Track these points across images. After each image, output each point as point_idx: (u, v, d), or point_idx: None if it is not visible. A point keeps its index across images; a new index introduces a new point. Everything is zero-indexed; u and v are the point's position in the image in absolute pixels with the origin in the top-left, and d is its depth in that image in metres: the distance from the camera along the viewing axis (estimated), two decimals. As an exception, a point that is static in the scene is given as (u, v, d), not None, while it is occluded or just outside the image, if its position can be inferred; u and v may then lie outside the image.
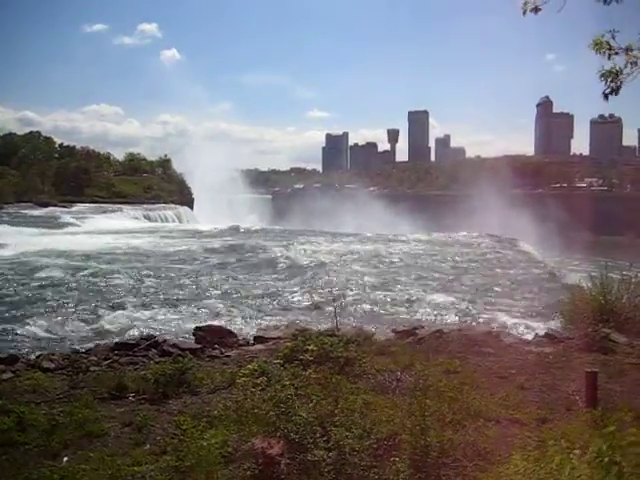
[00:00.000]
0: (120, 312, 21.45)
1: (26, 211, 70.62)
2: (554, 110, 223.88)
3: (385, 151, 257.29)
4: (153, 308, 22.30)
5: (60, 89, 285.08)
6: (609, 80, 5.63)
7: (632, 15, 5.84)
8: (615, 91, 5.69)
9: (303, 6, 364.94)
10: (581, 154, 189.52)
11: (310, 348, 9.90)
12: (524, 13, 5.84)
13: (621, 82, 5.64)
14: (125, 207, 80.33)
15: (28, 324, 19.39)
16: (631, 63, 5.58)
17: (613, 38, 5.55)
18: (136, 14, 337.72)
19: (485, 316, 21.16)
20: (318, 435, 6.16)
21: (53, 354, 13.25)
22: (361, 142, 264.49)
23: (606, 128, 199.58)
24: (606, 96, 5.75)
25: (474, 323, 19.45)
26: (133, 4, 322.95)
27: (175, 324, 19.73)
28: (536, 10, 5.81)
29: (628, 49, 5.48)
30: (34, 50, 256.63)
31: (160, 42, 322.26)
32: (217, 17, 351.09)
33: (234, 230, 59.04)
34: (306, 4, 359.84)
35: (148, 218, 74.69)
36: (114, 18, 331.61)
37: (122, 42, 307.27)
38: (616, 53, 5.56)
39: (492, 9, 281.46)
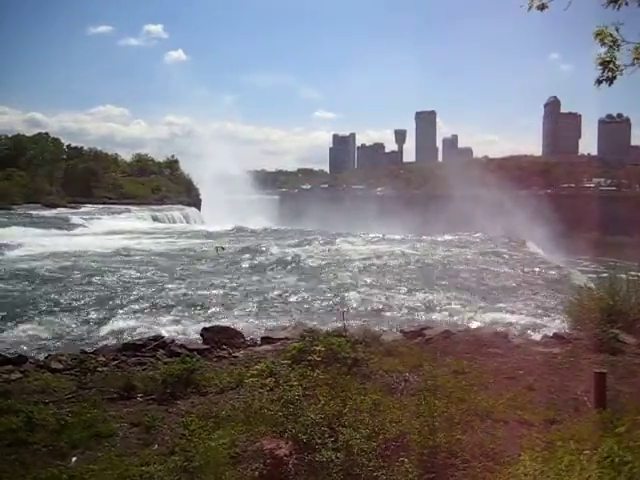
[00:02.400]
0: (128, 313, 21.51)
1: (35, 212, 70.84)
2: (561, 110, 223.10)
3: (392, 151, 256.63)
4: (161, 309, 22.33)
5: (67, 90, 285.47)
6: (606, 69, 5.61)
7: (637, 12, 5.80)
8: (610, 80, 5.66)
9: (309, 6, 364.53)
10: (589, 154, 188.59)
11: (318, 349, 9.90)
12: (529, 9, 5.80)
13: (616, 73, 5.62)
14: (133, 208, 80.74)
15: (37, 325, 19.46)
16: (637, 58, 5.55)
17: (617, 30, 5.53)
18: (141, 15, 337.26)
19: (493, 316, 21.07)
20: (326, 435, 6.16)
21: (61, 355, 13.30)
22: (368, 143, 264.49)
23: (614, 128, 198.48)
24: (599, 82, 5.73)
25: (482, 323, 19.37)
26: (138, 5, 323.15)
27: (183, 324, 19.74)
28: (542, 7, 5.78)
29: (638, 48, 5.46)
30: (40, 51, 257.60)
31: (166, 43, 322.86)
32: (222, 17, 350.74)
33: (242, 231, 59.19)
34: (312, 4, 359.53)
35: (156, 219, 74.97)
36: (119, 19, 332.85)
37: (128, 43, 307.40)
38: (618, 45, 5.55)
39: (496, 9, 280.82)
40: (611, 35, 5.50)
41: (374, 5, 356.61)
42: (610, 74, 5.62)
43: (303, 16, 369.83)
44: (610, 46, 5.53)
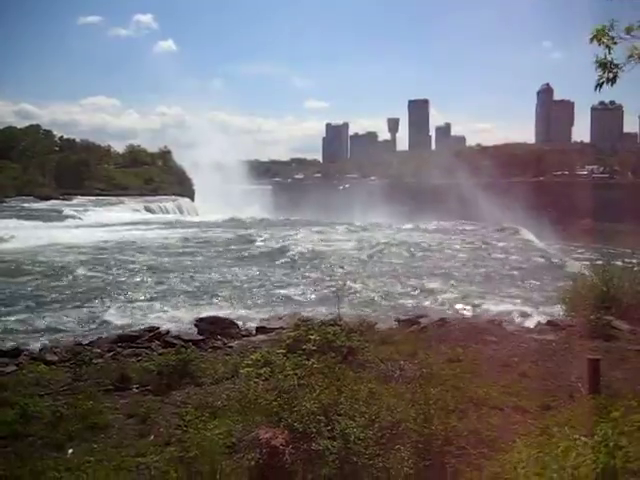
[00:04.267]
0: (123, 304, 21.50)
1: (27, 204, 70.54)
2: (555, 97, 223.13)
3: (385, 140, 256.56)
4: (155, 300, 22.33)
5: (57, 81, 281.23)
6: (606, 71, 5.57)
7: (627, 4, 5.75)
8: (611, 81, 5.62)
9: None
10: (582, 141, 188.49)
11: (313, 338, 9.89)
12: None
13: (617, 72, 5.58)
14: (126, 199, 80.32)
15: (32, 317, 19.44)
16: (632, 56, 5.50)
17: (612, 28, 5.48)
18: (130, 5, 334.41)
19: (487, 304, 21.16)
20: (322, 424, 6.16)
21: (56, 347, 13.31)
22: (361, 132, 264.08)
23: (607, 115, 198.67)
24: (599, 86, 5.69)
25: (477, 311, 19.45)
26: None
27: (177, 315, 19.75)
28: None
29: (629, 30, 5.40)
30: (30, 42, 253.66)
31: (156, 33, 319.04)
32: (213, 7, 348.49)
33: (236, 221, 59.09)
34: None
35: (149, 210, 74.64)
36: (108, 9, 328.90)
37: (118, 34, 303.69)
38: (615, 43, 5.50)
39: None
40: (608, 34, 5.45)
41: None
42: (610, 75, 5.57)
43: (294, 5, 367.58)
44: (607, 46, 5.48)
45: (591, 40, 5.51)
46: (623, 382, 8.38)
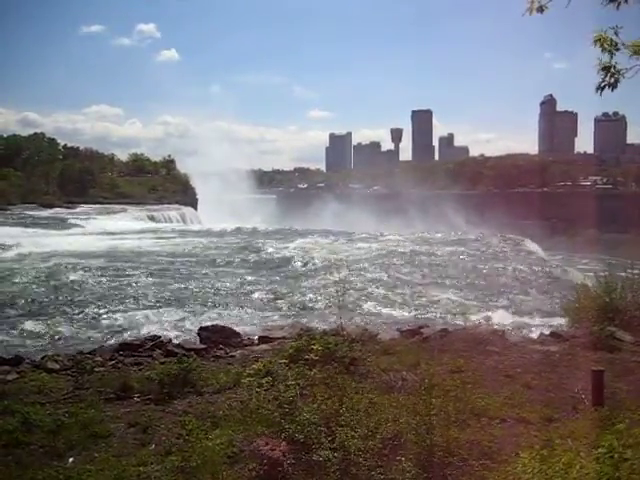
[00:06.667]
0: (125, 313, 21.46)
1: (31, 212, 70.70)
2: (558, 108, 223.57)
3: (389, 150, 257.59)
4: (157, 308, 22.28)
5: (60, 90, 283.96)
6: (608, 75, 5.55)
7: (632, 10, 5.74)
8: (612, 85, 5.61)
9: (304, 5, 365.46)
10: (585, 152, 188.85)
11: (315, 348, 9.88)
12: (530, 13, 5.72)
13: (618, 77, 5.56)
14: (129, 208, 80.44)
15: (33, 325, 19.41)
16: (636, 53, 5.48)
17: (616, 34, 5.47)
18: (133, 15, 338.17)
19: (490, 314, 21.07)
20: (323, 435, 6.14)
21: (58, 355, 13.27)
22: (364, 142, 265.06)
23: (610, 126, 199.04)
24: (601, 89, 5.67)
25: (479, 322, 19.37)
26: (129, 4, 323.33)
27: (179, 324, 19.71)
28: (542, 10, 5.72)
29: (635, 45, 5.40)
30: (33, 51, 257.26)
31: (159, 42, 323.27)
32: (216, 16, 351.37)
33: (240, 231, 59.01)
34: (307, 3, 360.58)
35: (152, 219, 74.67)
36: (111, 19, 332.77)
37: (121, 43, 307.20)
38: (618, 49, 5.49)
39: (491, 9, 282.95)
40: (611, 40, 5.43)
41: (369, 4, 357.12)
42: (612, 79, 5.55)
43: (297, 15, 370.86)
44: (610, 51, 5.46)
45: (594, 43, 5.50)
46: (627, 394, 8.34)
